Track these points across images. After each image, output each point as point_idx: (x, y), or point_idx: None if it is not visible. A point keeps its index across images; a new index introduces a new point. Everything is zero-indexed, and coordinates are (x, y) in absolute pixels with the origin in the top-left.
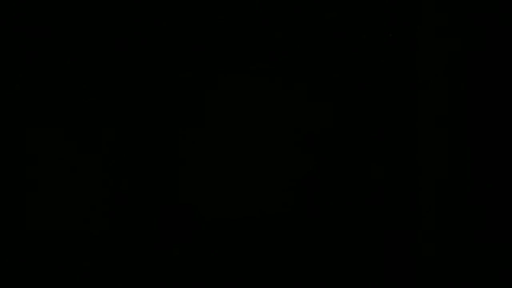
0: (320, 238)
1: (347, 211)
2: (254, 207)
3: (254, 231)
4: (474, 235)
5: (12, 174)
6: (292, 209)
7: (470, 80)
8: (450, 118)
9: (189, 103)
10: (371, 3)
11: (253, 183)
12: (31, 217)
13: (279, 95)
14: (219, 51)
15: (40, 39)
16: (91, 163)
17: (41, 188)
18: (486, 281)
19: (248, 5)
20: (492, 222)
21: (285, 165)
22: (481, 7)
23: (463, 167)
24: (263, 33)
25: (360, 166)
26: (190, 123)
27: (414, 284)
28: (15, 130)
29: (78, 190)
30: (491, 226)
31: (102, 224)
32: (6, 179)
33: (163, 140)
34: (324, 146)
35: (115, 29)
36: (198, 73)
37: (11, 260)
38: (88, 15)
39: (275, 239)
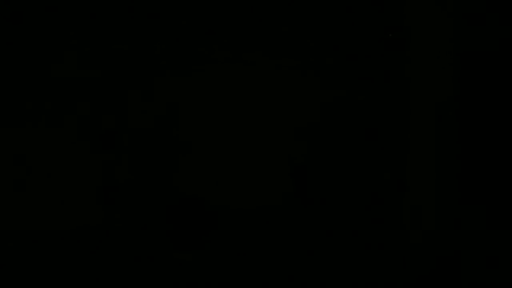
0: (312, 229)
1: (338, 202)
2: (245, 198)
3: (245, 223)
4: (462, 229)
5: (9, 168)
6: (283, 200)
7: (461, 80)
8: (441, 115)
9: (183, 95)
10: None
11: (244, 174)
12: (28, 214)
13: (272, 85)
14: (217, 42)
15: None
16: (87, 155)
17: (37, 181)
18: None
19: None
20: (483, 218)
21: (276, 156)
22: (473, 7)
23: (453, 163)
24: (256, 23)
25: (351, 158)
26: (181, 115)
27: (404, 273)
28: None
29: (74, 184)
30: (482, 223)
31: (98, 220)
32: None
33: (156, 133)
34: (315, 137)
35: (105, 23)
36: (191, 62)
37: (9, 259)
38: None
39: (266, 230)
